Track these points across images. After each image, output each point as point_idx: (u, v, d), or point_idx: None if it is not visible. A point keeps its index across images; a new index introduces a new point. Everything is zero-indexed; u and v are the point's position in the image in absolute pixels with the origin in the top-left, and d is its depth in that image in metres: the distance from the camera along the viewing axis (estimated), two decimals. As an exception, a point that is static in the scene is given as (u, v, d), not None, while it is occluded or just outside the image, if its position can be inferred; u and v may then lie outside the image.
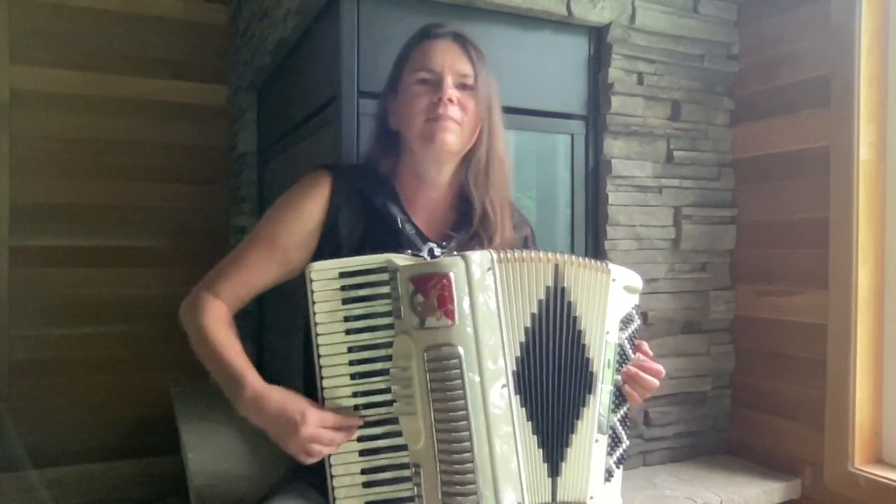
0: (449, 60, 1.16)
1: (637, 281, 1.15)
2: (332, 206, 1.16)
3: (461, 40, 1.19)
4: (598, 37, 1.80)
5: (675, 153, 1.88)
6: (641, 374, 1.11)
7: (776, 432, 1.88)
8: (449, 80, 1.14)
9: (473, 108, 1.17)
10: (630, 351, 1.13)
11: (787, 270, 1.86)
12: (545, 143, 1.82)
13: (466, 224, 1.20)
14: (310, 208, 1.15)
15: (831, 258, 1.73)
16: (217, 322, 1.10)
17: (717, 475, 1.82)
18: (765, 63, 1.92)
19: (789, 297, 1.85)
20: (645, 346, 1.16)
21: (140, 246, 2.85)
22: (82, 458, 2.71)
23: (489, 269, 0.97)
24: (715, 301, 1.96)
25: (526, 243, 1.31)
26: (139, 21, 2.83)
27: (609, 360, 1.08)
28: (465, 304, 0.94)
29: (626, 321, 1.12)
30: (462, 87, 1.16)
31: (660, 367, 1.14)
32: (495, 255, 0.98)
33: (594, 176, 1.82)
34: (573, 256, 1.05)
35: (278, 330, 2.24)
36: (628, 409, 1.13)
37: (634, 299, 1.15)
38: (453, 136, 1.14)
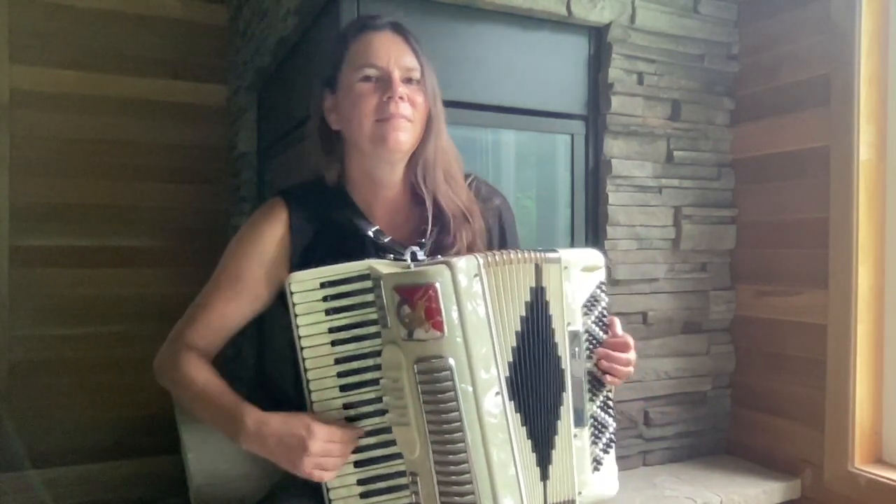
0: (394, 55, 1.09)
1: (595, 258, 1.09)
2: (294, 233, 1.10)
3: (402, 31, 1.13)
4: (598, 37, 1.80)
5: (675, 153, 1.88)
6: (612, 353, 1.07)
7: (776, 432, 1.88)
8: (397, 76, 1.08)
9: (422, 102, 1.11)
10: (600, 333, 1.09)
11: (787, 270, 1.86)
12: (545, 143, 1.82)
13: (434, 218, 1.15)
14: (270, 239, 1.10)
15: (831, 258, 1.73)
16: (196, 368, 1.06)
17: (717, 475, 1.82)
18: (765, 63, 1.92)
19: (789, 297, 1.85)
20: (616, 324, 1.11)
21: (140, 246, 2.85)
22: (82, 458, 2.71)
23: (476, 275, 0.94)
24: (715, 301, 1.96)
25: (500, 215, 1.25)
26: (139, 21, 2.83)
27: (576, 350, 1.04)
28: (454, 314, 0.91)
29: (590, 304, 1.07)
30: (408, 80, 1.10)
31: (628, 339, 1.09)
32: (481, 260, 0.95)
33: (594, 176, 1.82)
34: (538, 252, 1.01)
35: (278, 330, 2.24)
36: (608, 392, 1.10)
37: (598, 277, 1.09)
38: (406, 135, 1.09)
